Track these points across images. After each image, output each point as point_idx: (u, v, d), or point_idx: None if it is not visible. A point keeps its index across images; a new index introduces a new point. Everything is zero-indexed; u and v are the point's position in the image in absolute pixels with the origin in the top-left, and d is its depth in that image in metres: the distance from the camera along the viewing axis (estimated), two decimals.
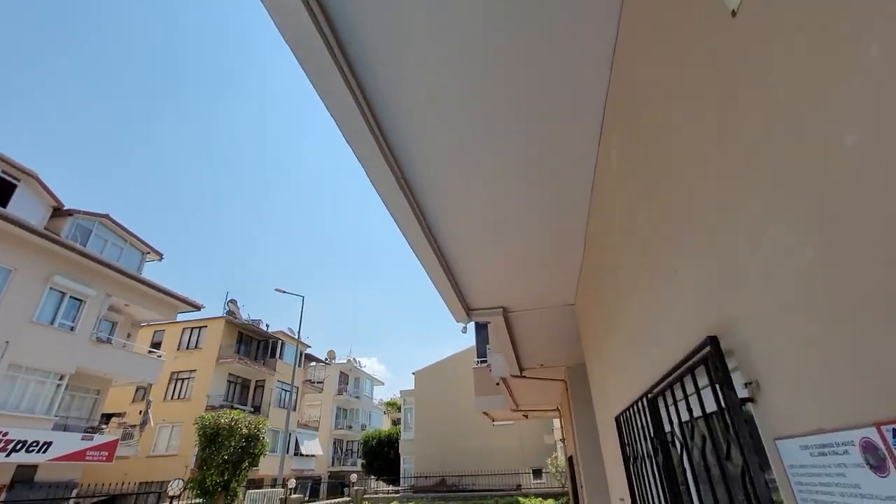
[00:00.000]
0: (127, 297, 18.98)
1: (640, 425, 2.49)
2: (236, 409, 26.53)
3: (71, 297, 16.89)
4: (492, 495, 16.05)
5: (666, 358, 1.79)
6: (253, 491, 13.39)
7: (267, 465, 27.08)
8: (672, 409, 1.78)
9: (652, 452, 2.25)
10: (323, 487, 19.39)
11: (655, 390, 1.94)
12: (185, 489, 8.32)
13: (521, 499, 15.18)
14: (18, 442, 14.65)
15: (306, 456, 32.47)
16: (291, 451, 30.95)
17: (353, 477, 17.64)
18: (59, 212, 17.65)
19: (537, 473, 19.43)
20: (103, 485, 14.15)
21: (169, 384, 26.21)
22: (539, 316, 5.49)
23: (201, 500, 8.70)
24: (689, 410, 1.59)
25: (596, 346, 3.89)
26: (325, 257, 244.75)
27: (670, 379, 1.70)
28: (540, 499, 15.12)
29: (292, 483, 13.10)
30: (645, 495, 2.52)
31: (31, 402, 15.52)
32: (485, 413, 13.74)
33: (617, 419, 2.89)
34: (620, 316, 2.64)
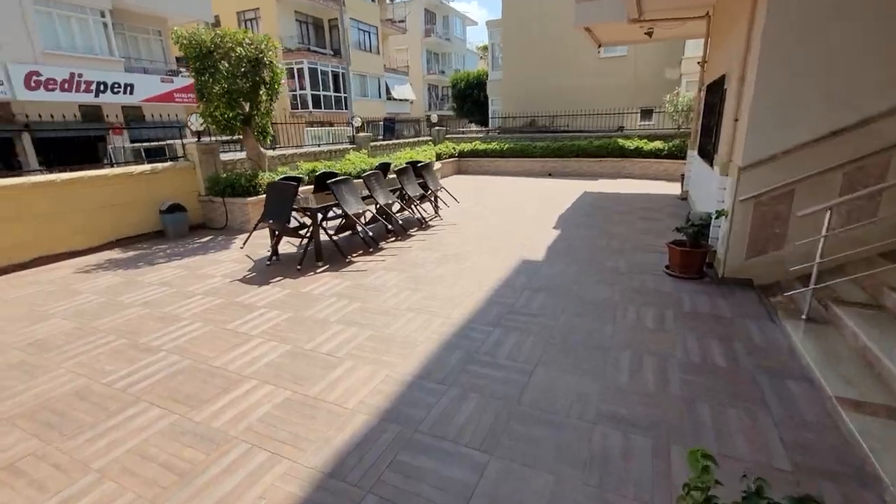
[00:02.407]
0: None
1: None
2: (314, 51, 24.84)
3: None
4: (586, 136, 13.93)
5: None
6: (315, 128, 12.70)
7: (361, 108, 27.52)
8: None
9: None
10: (421, 126, 18.62)
11: None
12: (205, 124, 6.91)
13: (620, 140, 12.91)
14: (100, 83, 14.72)
15: (399, 100, 32.40)
16: (383, 95, 30.73)
17: (434, 117, 16.34)
18: None
19: (646, 114, 16.44)
20: None
21: (240, 26, 24.30)
22: None
23: (225, 136, 7.42)
24: None
25: None
26: None
27: None
28: (645, 140, 12.69)
29: (357, 121, 11.89)
30: None
31: (84, 42, 14.65)
32: (587, 31, 9.69)
33: None
34: None
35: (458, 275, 4.85)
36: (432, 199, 7.80)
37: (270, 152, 8.94)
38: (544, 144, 13.88)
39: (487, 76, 24.19)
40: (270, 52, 7.12)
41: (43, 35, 13.42)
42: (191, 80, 17.60)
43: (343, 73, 26.07)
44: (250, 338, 3.54)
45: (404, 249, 5.93)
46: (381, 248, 6.01)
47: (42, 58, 13.36)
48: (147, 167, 6.94)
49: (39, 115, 9.46)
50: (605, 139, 13.32)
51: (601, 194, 9.92)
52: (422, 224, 7.25)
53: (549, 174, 13.71)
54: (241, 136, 7.76)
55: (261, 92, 7.31)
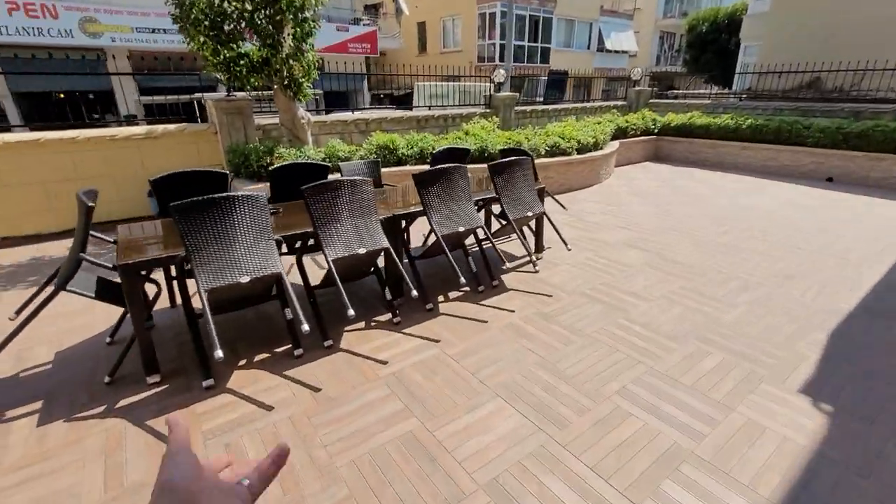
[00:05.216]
0: None
1: None
2: None
3: None
4: None
5: None
6: (432, 83, 9.35)
7: (562, 61, 22.82)
8: None
9: None
10: (635, 88, 13.06)
11: None
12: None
13: None
14: None
15: (614, 52, 26.12)
16: (593, 46, 25.10)
17: (637, 73, 11.20)
18: None
19: None
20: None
21: None
22: None
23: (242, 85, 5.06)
24: None
25: None
26: None
27: None
28: None
29: (500, 75, 8.37)
30: None
31: None
32: None
33: None
34: None
35: None
36: (529, 229, 3.96)
37: (331, 116, 6.35)
38: (829, 125, 7.63)
39: (745, 11, 16.33)
40: None
41: None
42: (367, 29, 16.34)
43: (545, 18, 21.73)
44: None
45: (369, 376, 2.54)
46: (328, 346, 2.77)
47: None
48: (141, 129, 5.15)
49: None
50: None
51: None
52: (481, 283, 3.60)
53: (829, 179, 7.58)
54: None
55: (284, 22, 4.60)
